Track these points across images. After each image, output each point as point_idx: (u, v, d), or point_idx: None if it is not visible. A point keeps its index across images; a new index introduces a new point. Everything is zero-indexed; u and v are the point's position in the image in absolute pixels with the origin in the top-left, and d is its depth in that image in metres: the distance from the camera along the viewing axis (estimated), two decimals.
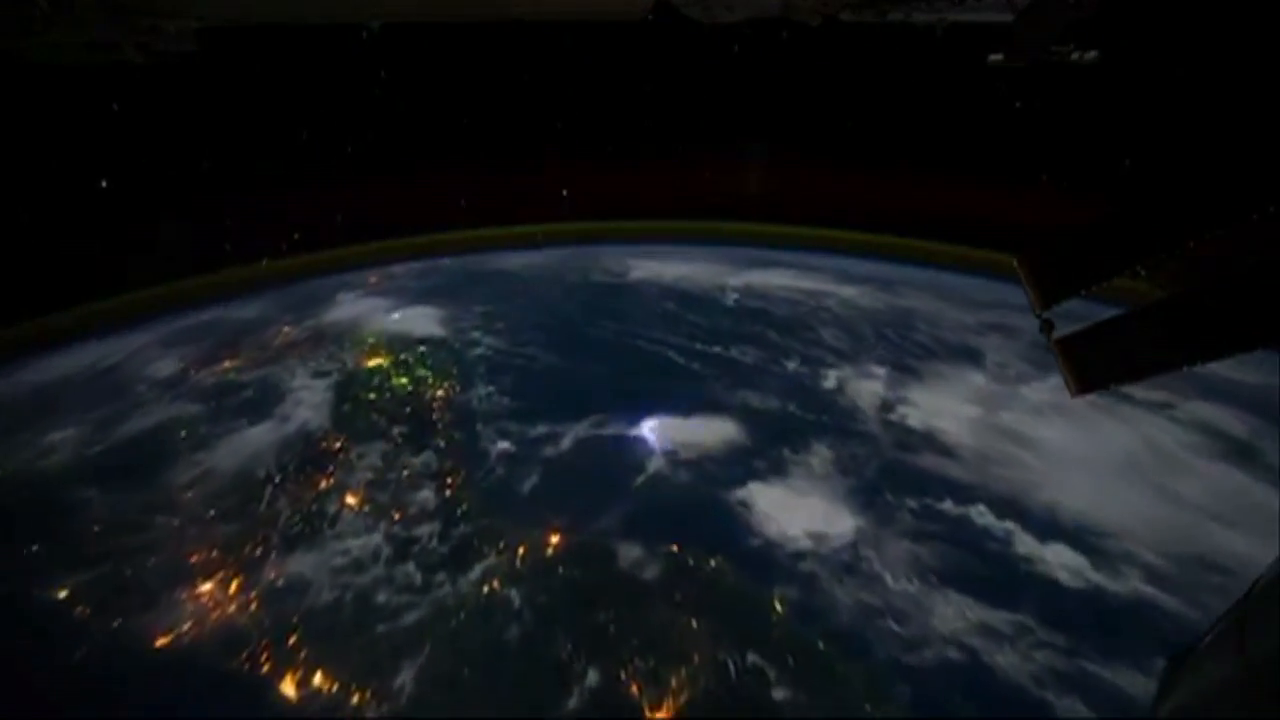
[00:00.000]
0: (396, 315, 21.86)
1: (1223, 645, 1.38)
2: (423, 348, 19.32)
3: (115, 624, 9.86)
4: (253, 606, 10.28)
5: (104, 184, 20.88)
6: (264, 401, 16.59)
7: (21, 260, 19.17)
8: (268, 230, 24.79)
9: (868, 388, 16.77)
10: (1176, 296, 1.58)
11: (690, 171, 28.32)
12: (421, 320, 21.34)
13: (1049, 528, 11.80)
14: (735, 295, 23.97)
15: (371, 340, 20.09)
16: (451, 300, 23.55)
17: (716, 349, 18.81)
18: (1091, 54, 2.41)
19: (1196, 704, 1.41)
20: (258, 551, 11.47)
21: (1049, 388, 17.65)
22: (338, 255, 29.76)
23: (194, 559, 11.31)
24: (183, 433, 15.44)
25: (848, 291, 24.79)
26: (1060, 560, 11.09)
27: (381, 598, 10.24)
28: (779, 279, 26.24)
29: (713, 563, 10.76)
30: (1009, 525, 11.86)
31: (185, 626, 9.97)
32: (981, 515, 12.11)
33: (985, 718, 8.63)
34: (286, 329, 21.59)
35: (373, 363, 18.49)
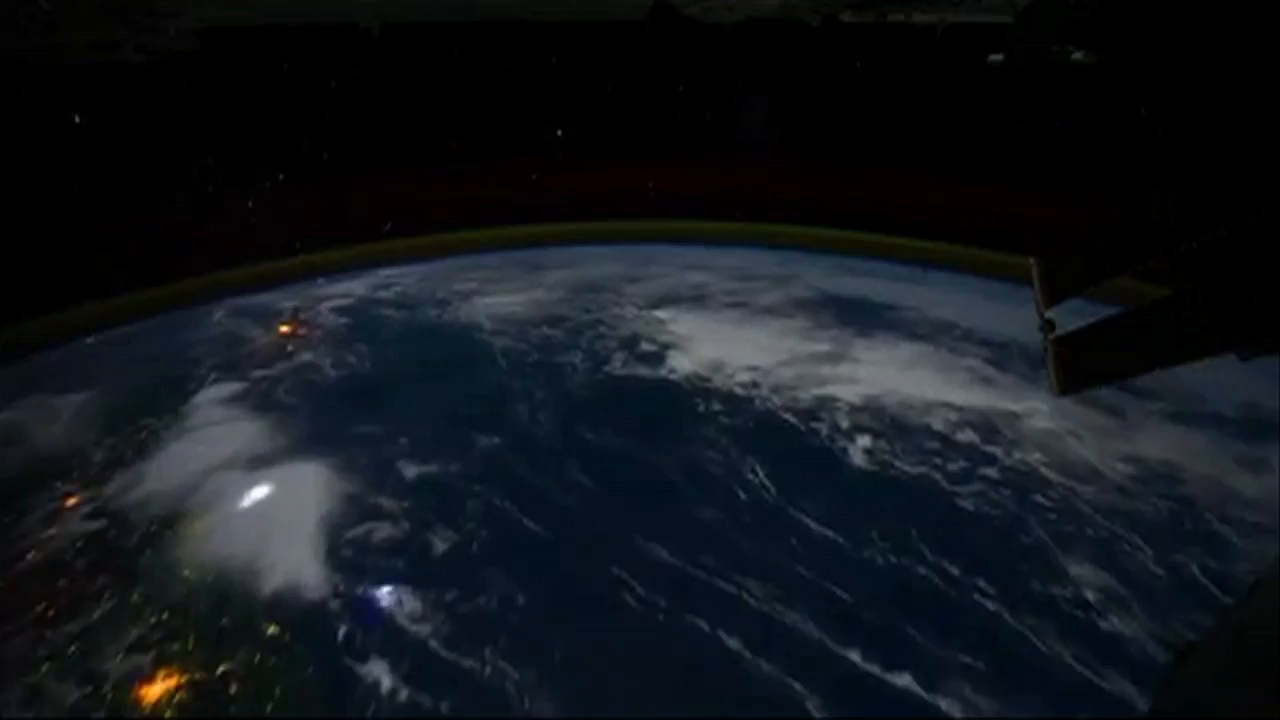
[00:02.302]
0: (257, 492, 11.90)
1: (1224, 643, 1.43)
2: (272, 661, 9.22)
3: None
4: None
5: None
6: None
7: None
8: (188, 243, 20.04)
9: None
10: (1175, 296, 1.48)
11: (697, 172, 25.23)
12: (297, 521, 11.17)
13: None
14: (864, 437, 13.41)
15: (181, 594, 9.94)
16: (371, 429, 13.65)
17: (903, 679, 8.65)
18: (1090, 54, 2.48)
19: (1197, 702, 1.40)
20: None
21: None
22: (260, 271, 21.25)
23: None
24: None
25: (1037, 414, 14.02)
26: None
27: None
28: (908, 371, 16.15)
29: None
30: None
31: None
32: None
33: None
34: (70, 502, 11.88)
35: None
